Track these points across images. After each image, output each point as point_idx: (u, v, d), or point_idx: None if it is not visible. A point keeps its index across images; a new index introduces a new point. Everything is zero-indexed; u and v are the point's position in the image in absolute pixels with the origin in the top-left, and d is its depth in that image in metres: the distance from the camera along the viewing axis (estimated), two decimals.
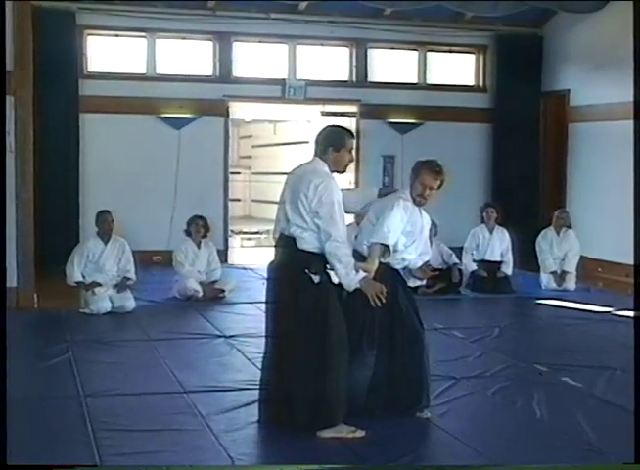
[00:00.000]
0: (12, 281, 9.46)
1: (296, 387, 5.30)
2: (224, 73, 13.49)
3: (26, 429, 5.40)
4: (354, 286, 5.27)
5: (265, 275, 5.74)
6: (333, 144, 5.55)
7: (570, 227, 11.71)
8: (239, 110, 14.37)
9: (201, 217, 10.51)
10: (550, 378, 6.94)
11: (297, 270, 5.33)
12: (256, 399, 5.68)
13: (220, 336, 8.33)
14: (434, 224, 11.29)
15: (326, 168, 5.52)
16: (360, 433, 5.34)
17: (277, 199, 5.72)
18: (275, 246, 5.60)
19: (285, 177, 5.80)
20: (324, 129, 5.73)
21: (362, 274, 5.28)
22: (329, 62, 14.06)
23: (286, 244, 5.42)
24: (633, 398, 5.85)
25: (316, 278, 5.31)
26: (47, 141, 11.65)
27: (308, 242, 5.35)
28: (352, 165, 14.07)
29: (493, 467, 4.92)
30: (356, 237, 5.92)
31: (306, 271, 5.30)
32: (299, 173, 5.56)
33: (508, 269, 11.47)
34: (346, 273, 5.26)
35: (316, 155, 5.58)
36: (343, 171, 5.71)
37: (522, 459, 5.07)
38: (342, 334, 5.36)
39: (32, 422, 5.57)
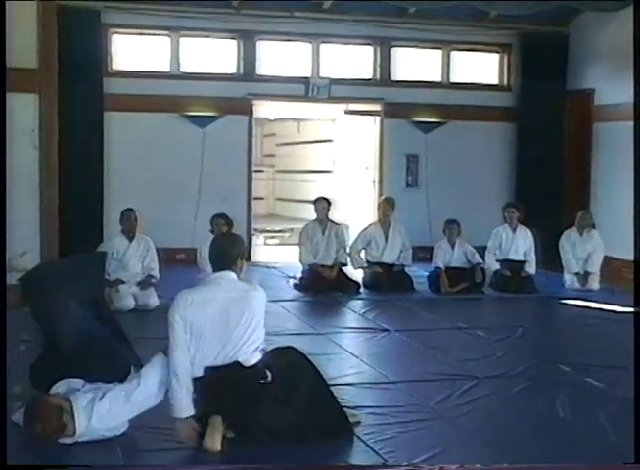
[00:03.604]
0: None
1: None
2: (248, 72, 13.51)
3: None
4: None
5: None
6: (242, 253, 5.45)
7: (593, 227, 11.66)
8: (263, 108, 14.39)
9: (221, 216, 10.49)
10: (573, 378, 6.91)
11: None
12: None
13: None
14: (457, 224, 11.38)
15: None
16: None
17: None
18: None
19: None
20: (223, 241, 5.62)
21: None
22: (352, 60, 14.05)
23: (234, 371, 5.20)
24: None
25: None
26: (72, 139, 11.70)
27: (257, 355, 5.29)
28: (376, 165, 14.14)
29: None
30: None
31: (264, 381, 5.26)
32: (230, 295, 5.27)
33: (531, 269, 11.43)
34: None
35: (224, 267, 5.34)
36: None
37: (543, 460, 5.05)
38: None
39: None
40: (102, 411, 5.09)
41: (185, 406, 5.16)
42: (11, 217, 9.32)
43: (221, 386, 5.14)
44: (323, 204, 11.26)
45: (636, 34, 11.20)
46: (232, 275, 5.33)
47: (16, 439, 5.02)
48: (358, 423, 5.53)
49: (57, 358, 5.46)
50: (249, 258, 12.85)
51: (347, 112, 14.39)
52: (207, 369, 5.16)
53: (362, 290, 11.09)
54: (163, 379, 5.26)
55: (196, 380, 5.20)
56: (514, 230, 11.55)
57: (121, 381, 5.47)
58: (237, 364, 5.16)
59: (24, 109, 9.36)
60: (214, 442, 5.05)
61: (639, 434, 4.97)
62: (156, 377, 5.28)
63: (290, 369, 5.36)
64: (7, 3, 9.04)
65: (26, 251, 5.68)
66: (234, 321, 5.17)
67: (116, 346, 5.79)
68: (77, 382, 5.37)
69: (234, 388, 5.14)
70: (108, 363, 5.55)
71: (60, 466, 4.61)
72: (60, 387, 5.33)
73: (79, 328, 5.55)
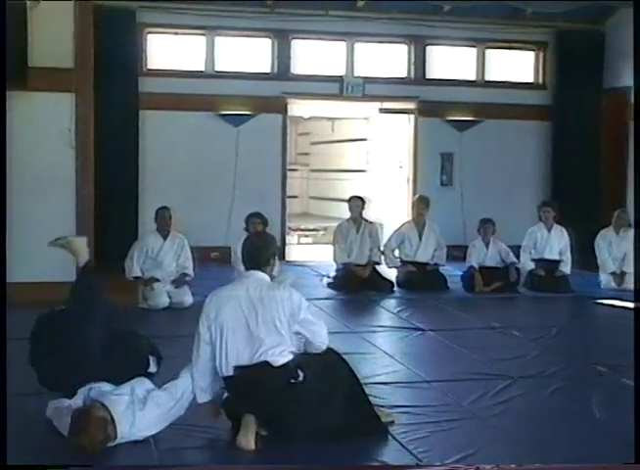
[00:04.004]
0: (71, 276, 9.57)
1: None
2: (282, 71, 13.54)
3: None
4: None
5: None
6: (275, 252, 5.53)
7: (630, 227, 11.56)
8: (297, 107, 14.42)
9: (257, 215, 10.51)
10: (609, 379, 6.85)
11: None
12: None
13: None
14: (491, 223, 11.33)
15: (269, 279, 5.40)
16: None
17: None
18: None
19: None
20: (256, 241, 5.65)
21: None
22: (387, 59, 14.04)
23: (264, 372, 5.14)
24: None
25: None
26: (107, 138, 11.73)
27: (290, 352, 5.22)
28: (410, 163, 14.11)
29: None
30: None
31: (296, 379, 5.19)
32: (257, 294, 5.25)
33: (566, 268, 11.35)
34: None
35: (256, 267, 5.37)
36: None
37: (577, 460, 5.01)
38: None
39: None
40: (144, 421, 5.11)
41: (199, 393, 5.30)
42: (47, 216, 9.46)
43: (250, 385, 5.13)
44: (357, 202, 11.26)
45: (636, 34, 11.13)
46: (262, 275, 5.34)
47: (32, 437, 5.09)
48: (392, 422, 5.52)
49: (78, 366, 5.44)
50: (283, 257, 12.88)
51: (382, 110, 14.37)
52: (237, 368, 5.17)
53: (396, 289, 11.07)
54: None
55: (226, 379, 5.22)
56: (549, 229, 11.47)
57: (142, 374, 5.51)
58: (265, 364, 5.13)
59: (61, 108, 9.44)
60: (248, 440, 5.06)
61: (639, 434, 4.93)
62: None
63: (325, 370, 5.33)
64: (44, 3, 9.16)
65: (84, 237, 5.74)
66: (259, 320, 5.16)
67: (132, 341, 5.82)
68: (103, 384, 5.39)
69: (262, 387, 5.11)
70: (127, 361, 5.57)
71: (61, 466, 4.62)
72: (81, 394, 5.32)
73: (101, 334, 5.58)
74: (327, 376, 5.31)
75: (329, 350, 5.48)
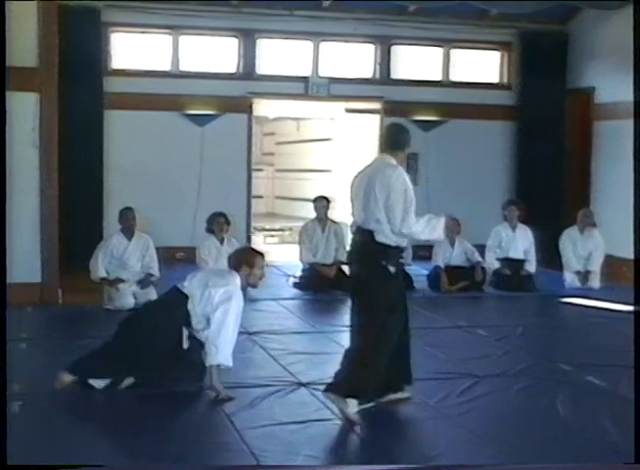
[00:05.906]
0: (36, 277, 9.53)
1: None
2: (248, 70, 13.51)
3: (48, 424, 5.43)
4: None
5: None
6: (407, 142, 5.98)
7: (594, 226, 11.65)
8: (262, 107, 14.39)
9: (221, 214, 10.54)
10: (574, 377, 6.90)
11: (373, 262, 5.77)
12: (278, 396, 6.03)
13: (243, 332, 8.32)
14: (456, 222, 11.36)
15: (394, 162, 5.85)
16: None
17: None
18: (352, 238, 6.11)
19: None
20: (394, 127, 6.20)
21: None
22: (352, 59, 14.04)
23: (362, 236, 5.85)
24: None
25: (392, 269, 5.77)
26: (71, 138, 11.65)
27: (385, 235, 5.74)
28: None
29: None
30: None
31: (383, 263, 5.72)
32: (372, 169, 5.93)
33: (531, 267, 11.42)
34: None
35: (384, 151, 6.00)
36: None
37: (544, 459, 5.05)
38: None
39: (54, 417, 5.58)
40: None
41: None
42: (11, 217, 9.34)
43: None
44: (322, 202, 11.27)
45: (636, 34, 11.20)
46: (387, 158, 5.89)
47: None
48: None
49: None
50: None
51: (347, 110, 14.39)
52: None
53: None
54: None
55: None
56: (514, 229, 11.54)
57: None
58: (366, 231, 5.79)
59: (25, 108, 9.37)
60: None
61: (639, 434, 4.97)
62: None
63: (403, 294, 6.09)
64: (7, 3, 9.07)
65: None
66: (368, 191, 5.75)
67: None
68: None
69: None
70: None
71: (60, 466, 4.61)
72: None
73: None
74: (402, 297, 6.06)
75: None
